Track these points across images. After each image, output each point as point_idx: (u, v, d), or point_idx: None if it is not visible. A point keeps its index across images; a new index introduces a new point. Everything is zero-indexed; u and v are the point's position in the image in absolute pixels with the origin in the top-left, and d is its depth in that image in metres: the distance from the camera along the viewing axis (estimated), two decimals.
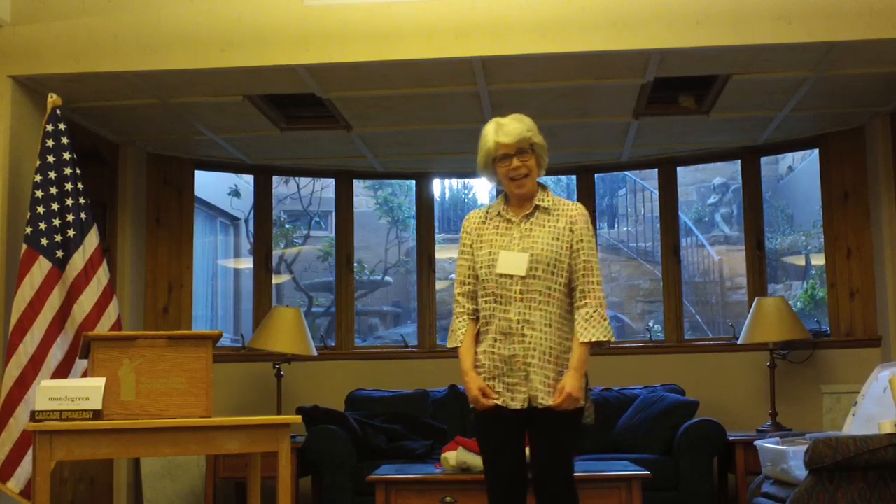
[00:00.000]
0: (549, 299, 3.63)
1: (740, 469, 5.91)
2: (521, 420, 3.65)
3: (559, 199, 3.78)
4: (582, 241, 3.69)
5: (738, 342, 6.52)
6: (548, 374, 3.62)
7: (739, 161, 7.21)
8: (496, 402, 3.63)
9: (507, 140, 3.68)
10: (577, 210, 3.75)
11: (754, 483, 5.30)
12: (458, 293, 3.80)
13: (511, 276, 3.62)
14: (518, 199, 3.77)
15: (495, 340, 3.65)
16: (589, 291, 3.67)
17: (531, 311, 3.61)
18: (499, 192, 3.90)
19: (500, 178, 3.76)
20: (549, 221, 3.71)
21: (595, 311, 3.65)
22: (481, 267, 3.71)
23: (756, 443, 5.33)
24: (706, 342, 7.63)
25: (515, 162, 3.69)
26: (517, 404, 3.62)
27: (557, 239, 3.67)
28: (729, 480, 6.36)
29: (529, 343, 3.60)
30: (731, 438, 5.98)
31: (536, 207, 3.74)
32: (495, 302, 3.66)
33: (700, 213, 12.88)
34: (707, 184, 12.90)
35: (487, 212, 3.84)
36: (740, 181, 7.34)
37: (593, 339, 3.62)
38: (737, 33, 4.89)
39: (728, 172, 12.24)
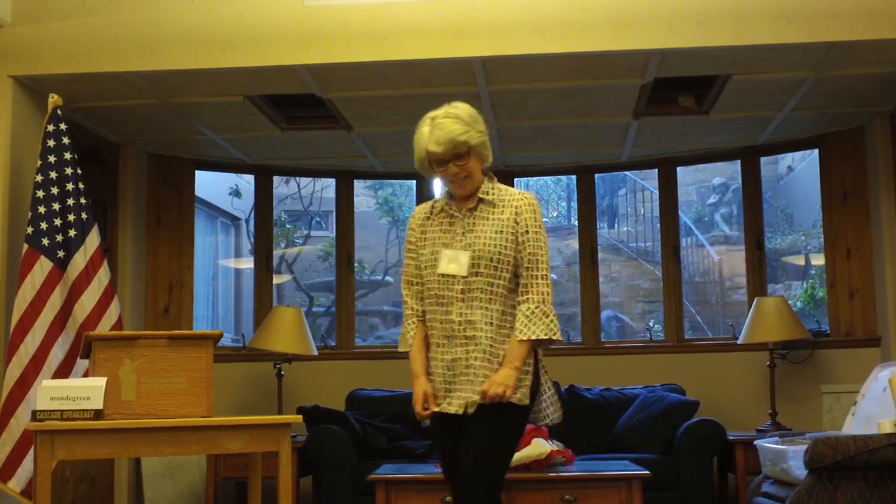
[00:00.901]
0: (492, 297, 3.41)
1: (740, 469, 5.91)
2: (460, 423, 3.45)
3: (506, 188, 3.55)
4: (527, 232, 3.45)
5: (738, 342, 6.53)
6: (489, 375, 3.39)
7: (739, 161, 7.21)
8: (435, 409, 3.45)
9: (438, 150, 3.42)
10: (523, 200, 3.50)
11: (754, 483, 5.31)
12: (406, 294, 3.60)
13: (453, 276, 3.41)
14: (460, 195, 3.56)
15: (438, 345, 3.47)
16: (532, 286, 3.42)
17: (472, 310, 3.40)
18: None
19: (441, 180, 3.56)
20: (493, 214, 3.47)
21: (537, 308, 3.40)
22: (425, 267, 3.52)
23: (756, 442, 5.34)
24: (706, 342, 7.64)
25: (452, 168, 3.44)
26: (453, 409, 3.41)
27: (501, 232, 3.43)
28: (729, 480, 6.37)
29: (471, 344, 3.40)
30: (731, 438, 5.98)
31: (480, 201, 3.50)
32: (437, 304, 3.47)
33: (700, 213, 12.89)
34: (707, 184, 12.91)
35: (433, 206, 3.62)
36: (740, 181, 7.34)
37: (532, 337, 3.38)
38: (737, 33, 4.89)
39: (728, 172, 12.25)
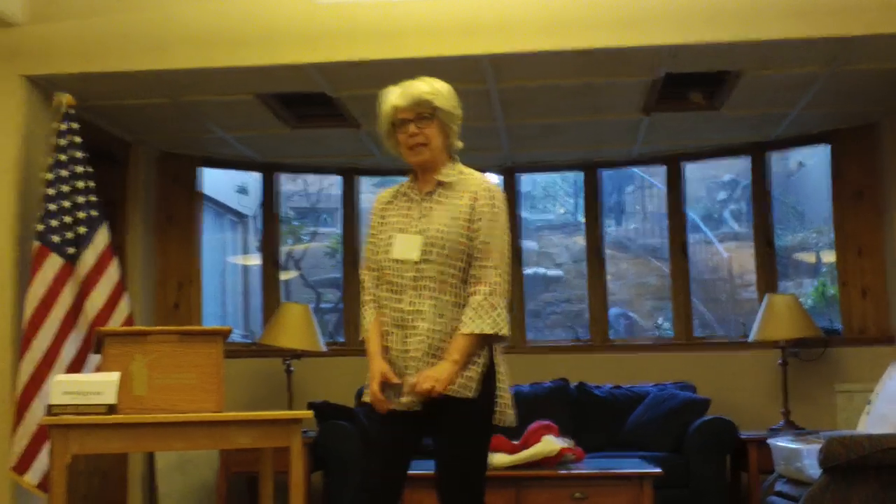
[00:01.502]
0: (444, 286, 3.20)
1: (753, 468, 5.89)
2: (420, 425, 3.27)
3: (469, 173, 3.36)
4: (481, 219, 3.23)
5: (749, 340, 6.50)
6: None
7: (749, 157, 7.19)
8: (391, 405, 3.27)
9: (402, 103, 3.26)
10: (482, 185, 3.30)
11: (767, 482, 5.29)
12: (366, 281, 3.41)
13: (405, 262, 3.23)
14: (423, 174, 3.36)
15: (389, 333, 3.28)
16: (482, 277, 3.20)
17: (422, 299, 3.20)
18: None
19: (400, 147, 3.35)
20: (449, 199, 3.28)
21: (484, 299, 3.18)
22: (379, 252, 3.33)
23: (769, 441, 5.32)
24: (716, 340, 7.63)
25: (412, 128, 3.26)
26: (403, 405, 3.24)
27: (455, 218, 3.23)
28: (742, 479, 6.35)
29: (421, 335, 3.21)
30: (743, 437, 5.96)
31: (439, 184, 3.31)
32: (390, 291, 3.28)
33: (709, 210, 12.85)
34: (716, 180, 12.87)
35: (397, 190, 3.45)
36: (750, 177, 7.32)
37: (476, 332, 3.15)
38: (748, 29, 4.87)
39: (737, 169, 12.22)
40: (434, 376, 3.14)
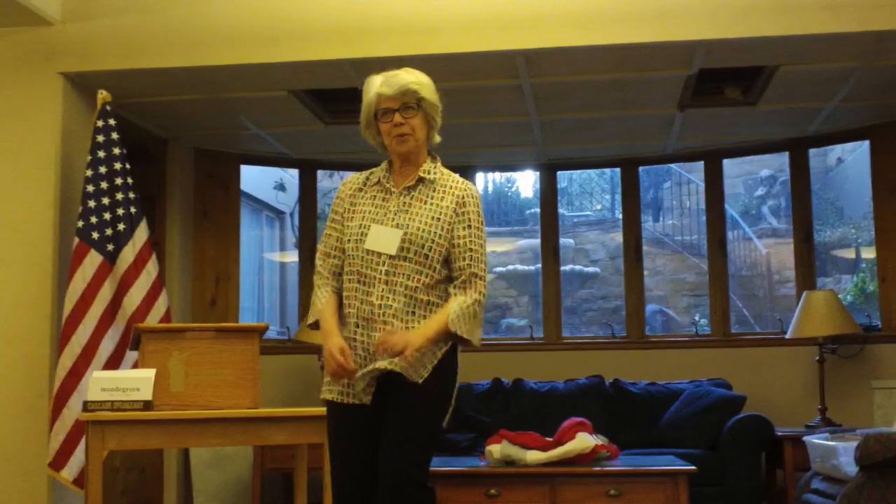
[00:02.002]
0: (418, 285, 3.12)
1: (789, 465, 5.85)
2: (375, 418, 3.14)
3: (449, 173, 3.29)
4: (469, 226, 3.20)
5: (787, 336, 6.46)
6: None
7: (787, 153, 7.13)
8: (348, 400, 3.14)
9: (389, 91, 3.17)
10: (468, 189, 3.25)
11: (803, 479, 5.25)
12: (321, 266, 3.29)
13: (379, 255, 3.13)
14: (401, 167, 3.28)
15: (357, 326, 3.14)
16: (472, 283, 3.17)
17: (395, 296, 3.10)
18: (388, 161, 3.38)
19: (383, 136, 3.26)
20: (432, 198, 3.22)
21: (472, 307, 3.15)
22: (349, 240, 3.21)
23: (805, 438, 5.27)
24: (753, 336, 7.57)
25: (397, 117, 3.18)
26: (370, 399, 3.11)
27: (438, 219, 3.17)
28: (777, 476, 6.30)
29: None
30: (779, 434, 5.92)
31: (420, 180, 3.24)
32: (358, 282, 3.15)
33: (747, 206, 12.76)
34: (754, 176, 12.78)
35: (368, 178, 3.34)
36: (788, 173, 7.26)
37: (455, 330, 3.10)
38: (783, 23, 4.83)
39: (775, 164, 12.12)
40: (407, 339, 3.01)
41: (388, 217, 3.19)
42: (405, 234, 3.13)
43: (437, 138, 3.35)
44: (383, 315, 3.10)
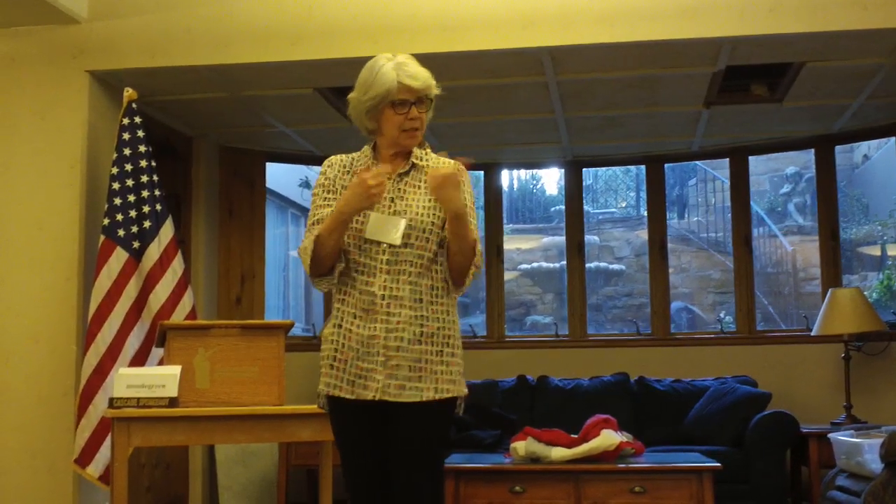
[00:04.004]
0: (421, 270, 3.04)
1: (814, 462, 5.82)
2: (378, 413, 3.03)
3: (436, 157, 3.23)
4: (465, 204, 3.07)
5: (812, 334, 6.42)
6: (419, 357, 3.00)
7: (813, 150, 7.09)
8: (347, 396, 3.01)
9: (416, 84, 3.06)
10: (458, 168, 3.14)
11: (828, 476, 5.22)
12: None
13: (378, 243, 3.03)
14: (391, 155, 3.17)
15: (355, 317, 3.03)
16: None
17: (399, 284, 3.01)
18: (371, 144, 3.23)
19: (386, 125, 3.11)
20: (425, 183, 3.11)
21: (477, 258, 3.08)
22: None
23: (830, 436, 5.25)
24: (779, 333, 7.53)
25: (414, 111, 3.07)
26: (370, 394, 2.97)
27: (435, 201, 3.06)
28: (802, 473, 6.27)
29: (397, 323, 2.99)
30: (804, 431, 5.89)
31: (413, 166, 3.15)
32: (356, 271, 3.04)
33: (773, 203, 12.68)
34: (780, 173, 12.70)
35: (353, 163, 3.20)
36: (814, 170, 7.21)
37: (475, 247, 3.05)
38: (811, 20, 4.79)
39: (801, 161, 12.04)
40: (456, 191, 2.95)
41: (384, 204, 3.06)
42: (408, 220, 3.04)
43: None
44: (387, 306, 2.99)
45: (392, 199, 3.08)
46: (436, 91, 3.12)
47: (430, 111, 3.15)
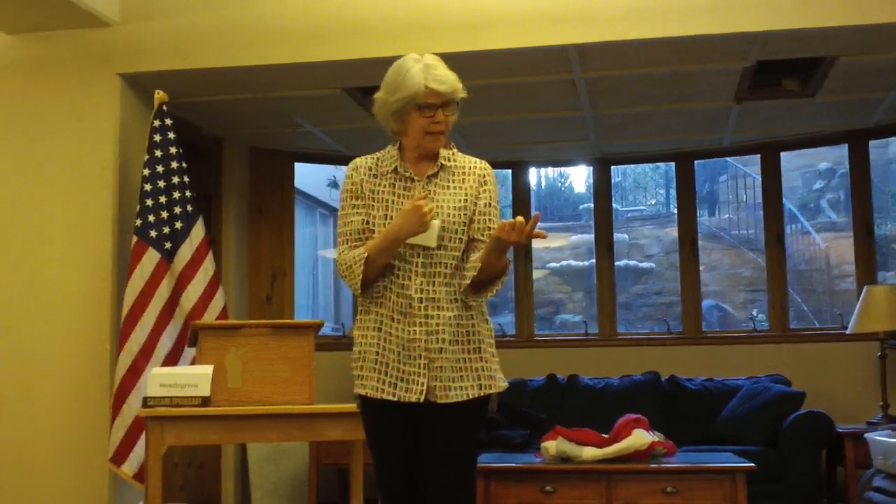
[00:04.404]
0: (454, 272, 3.05)
1: (850, 462, 5.76)
2: (414, 415, 3.04)
3: (462, 155, 3.22)
4: (490, 204, 3.13)
5: (847, 332, 6.35)
6: (459, 357, 3.04)
7: (846, 145, 7.01)
8: (390, 398, 3.02)
9: (442, 89, 3.04)
10: (487, 168, 3.20)
11: (865, 476, 5.16)
12: (344, 250, 3.11)
13: (412, 246, 3.02)
14: (417, 155, 3.15)
15: (392, 320, 3.03)
16: None
17: (435, 287, 3.02)
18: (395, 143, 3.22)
19: (411, 127, 3.10)
20: (454, 183, 3.13)
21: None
22: (375, 231, 3.07)
23: (867, 435, 5.18)
24: (813, 331, 7.46)
25: (440, 115, 3.06)
26: (414, 396, 2.99)
27: (465, 200, 3.10)
28: (838, 473, 6.21)
29: (436, 325, 3.01)
30: (839, 431, 5.83)
31: (441, 167, 3.14)
32: (392, 274, 3.04)
33: (805, 200, 12.59)
34: (812, 169, 12.60)
35: (378, 164, 3.19)
36: (847, 166, 7.14)
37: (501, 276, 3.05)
38: (843, 13, 4.74)
39: (834, 157, 11.94)
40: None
41: None
42: (442, 222, 3.04)
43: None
44: (425, 309, 3.01)
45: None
46: (462, 94, 3.10)
47: (455, 114, 3.13)
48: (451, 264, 3.05)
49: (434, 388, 2.99)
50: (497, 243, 2.93)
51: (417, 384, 2.99)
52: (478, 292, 3.07)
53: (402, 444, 3.07)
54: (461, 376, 3.03)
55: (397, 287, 3.03)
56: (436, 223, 3.01)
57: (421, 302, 3.01)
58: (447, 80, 3.05)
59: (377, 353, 3.05)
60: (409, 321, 3.01)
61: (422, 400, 2.99)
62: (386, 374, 3.03)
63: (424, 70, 3.05)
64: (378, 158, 3.19)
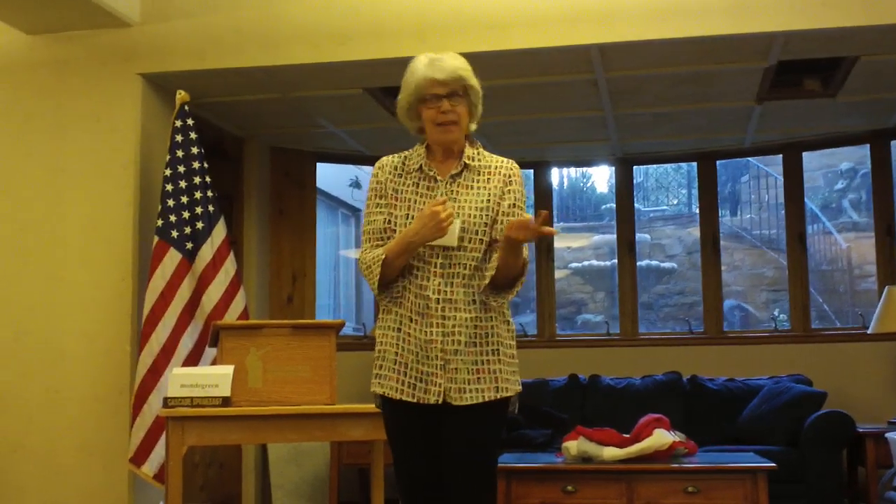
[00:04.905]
0: (474, 272, 3.01)
1: (871, 462, 5.73)
2: (433, 416, 3.02)
3: (488, 155, 3.17)
4: (515, 205, 3.08)
5: (869, 332, 6.32)
6: (476, 359, 3.01)
7: (868, 145, 6.97)
8: (409, 399, 3.00)
9: (441, 76, 3.02)
10: (513, 168, 3.14)
11: (886, 476, 5.13)
12: (370, 249, 3.09)
13: (432, 247, 2.99)
14: (443, 154, 3.12)
15: (411, 320, 3.01)
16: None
17: (453, 287, 2.99)
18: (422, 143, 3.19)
19: (425, 122, 3.10)
20: (478, 182, 3.09)
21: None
22: (396, 231, 3.04)
23: (887, 435, 5.16)
24: (834, 331, 7.42)
25: (445, 105, 3.04)
26: (431, 398, 2.97)
27: (489, 201, 3.05)
28: (859, 473, 6.18)
29: (453, 326, 2.98)
30: (860, 430, 5.80)
31: (465, 166, 3.10)
32: (410, 274, 3.02)
33: (827, 200, 12.51)
34: (834, 169, 12.52)
35: (405, 163, 3.16)
36: (869, 165, 7.10)
37: (523, 269, 3.02)
38: (866, 12, 4.70)
39: (856, 157, 11.86)
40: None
41: None
42: (462, 223, 3.00)
43: (473, 126, 3.18)
44: (442, 310, 2.98)
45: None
46: (471, 81, 3.07)
47: (478, 106, 3.12)
48: (471, 265, 3.01)
49: (450, 389, 2.97)
50: (508, 242, 2.92)
51: (435, 385, 2.98)
52: (498, 293, 3.04)
53: (421, 445, 3.05)
54: (477, 378, 3.00)
55: (416, 287, 3.02)
56: (456, 223, 2.98)
57: (438, 303, 2.99)
58: (447, 68, 3.03)
59: (396, 353, 3.04)
60: (427, 322, 2.99)
61: (440, 401, 2.97)
62: (405, 375, 3.02)
63: (429, 63, 3.06)
64: (406, 157, 3.17)
